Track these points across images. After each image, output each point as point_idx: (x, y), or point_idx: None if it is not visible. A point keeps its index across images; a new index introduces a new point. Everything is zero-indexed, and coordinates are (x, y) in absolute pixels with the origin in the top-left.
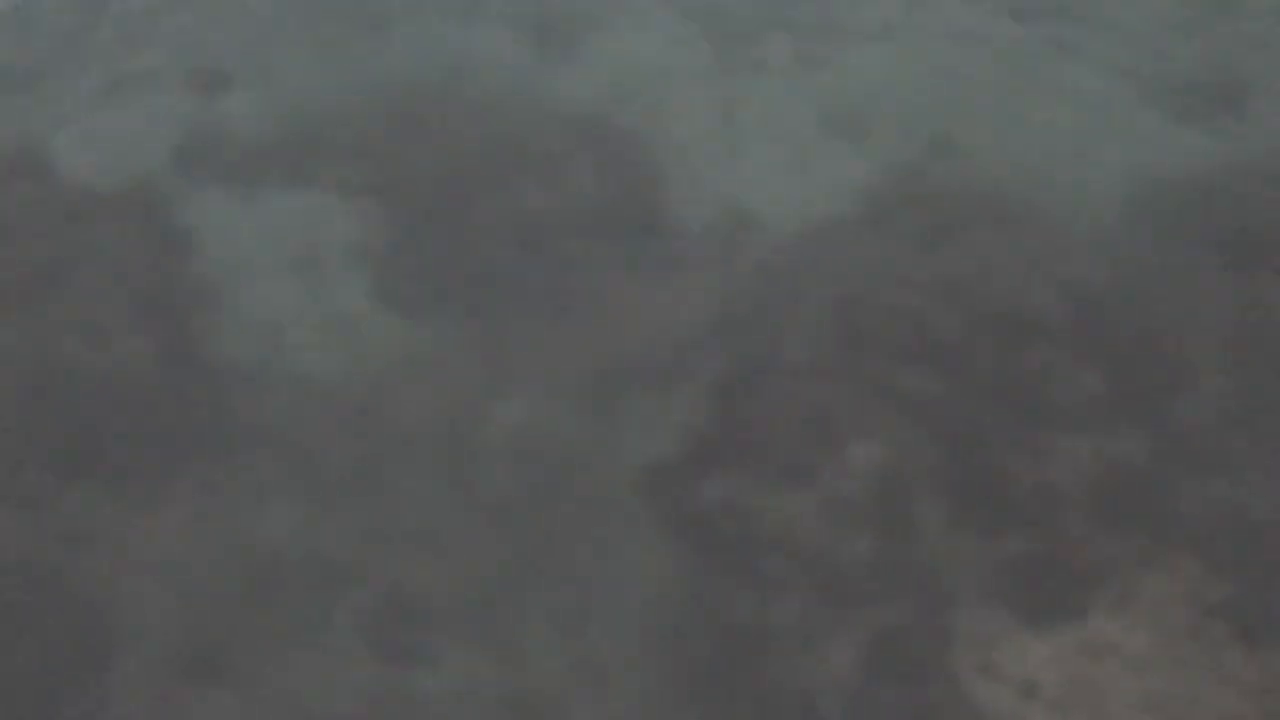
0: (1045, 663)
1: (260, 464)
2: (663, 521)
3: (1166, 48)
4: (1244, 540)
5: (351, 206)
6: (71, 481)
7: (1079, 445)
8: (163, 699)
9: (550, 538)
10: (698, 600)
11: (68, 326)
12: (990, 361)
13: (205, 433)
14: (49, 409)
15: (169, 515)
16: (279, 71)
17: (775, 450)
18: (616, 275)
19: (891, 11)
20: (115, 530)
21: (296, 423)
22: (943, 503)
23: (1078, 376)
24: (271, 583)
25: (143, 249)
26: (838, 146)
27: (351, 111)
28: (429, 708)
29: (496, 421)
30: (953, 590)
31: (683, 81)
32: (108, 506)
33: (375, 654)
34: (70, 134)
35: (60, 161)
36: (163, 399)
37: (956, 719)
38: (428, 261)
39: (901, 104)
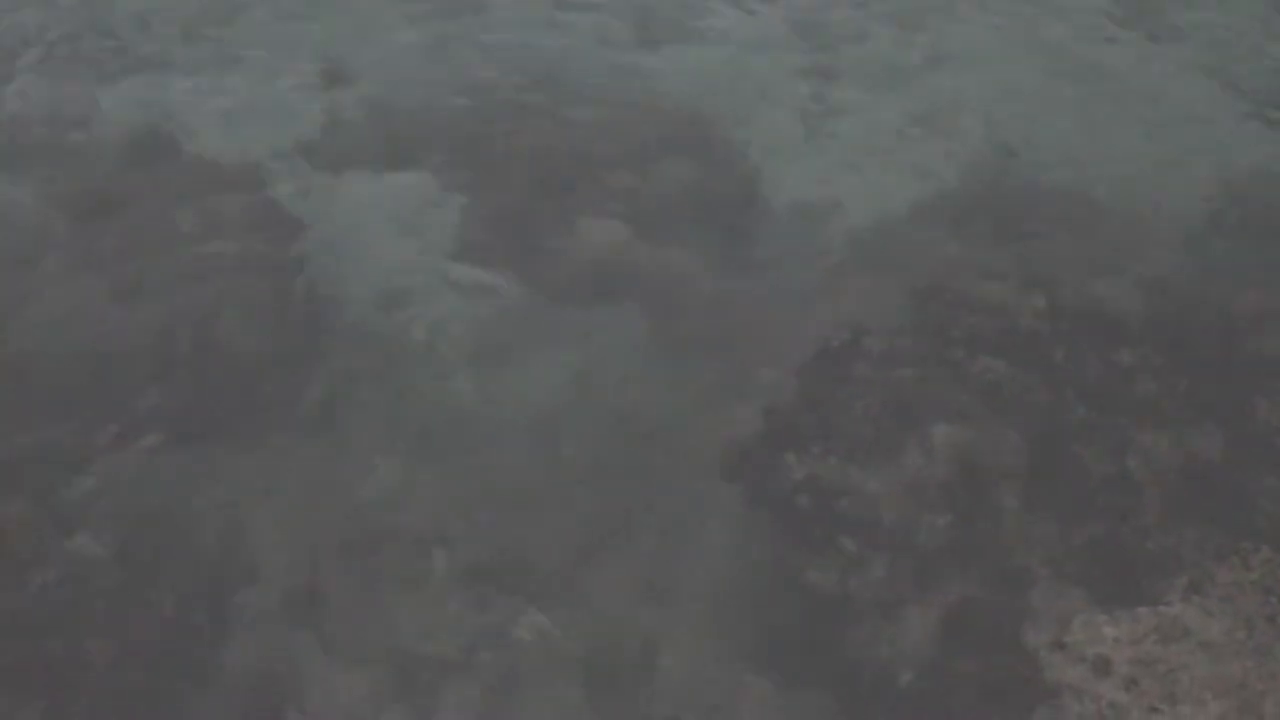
0: (1118, 643)
1: (366, 424)
2: (748, 496)
3: (1253, 50)
4: None
5: (451, 188)
6: (193, 439)
7: (1157, 438)
8: (273, 636)
9: (642, 506)
10: (781, 570)
11: (191, 294)
12: (1069, 353)
13: (316, 394)
14: (173, 371)
15: (283, 472)
16: (386, 63)
17: (858, 431)
18: (705, 258)
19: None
20: (233, 486)
21: (401, 386)
22: (1020, 486)
23: (1157, 371)
24: (375, 535)
25: (261, 223)
26: (922, 144)
27: (453, 106)
28: (519, 655)
29: (590, 395)
30: (1029, 570)
31: (775, 78)
32: (226, 463)
33: (470, 604)
34: (196, 117)
35: (187, 141)
36: (276, 362)
37: (1030, 692)
38: (525, 239)
39: (985, 102)
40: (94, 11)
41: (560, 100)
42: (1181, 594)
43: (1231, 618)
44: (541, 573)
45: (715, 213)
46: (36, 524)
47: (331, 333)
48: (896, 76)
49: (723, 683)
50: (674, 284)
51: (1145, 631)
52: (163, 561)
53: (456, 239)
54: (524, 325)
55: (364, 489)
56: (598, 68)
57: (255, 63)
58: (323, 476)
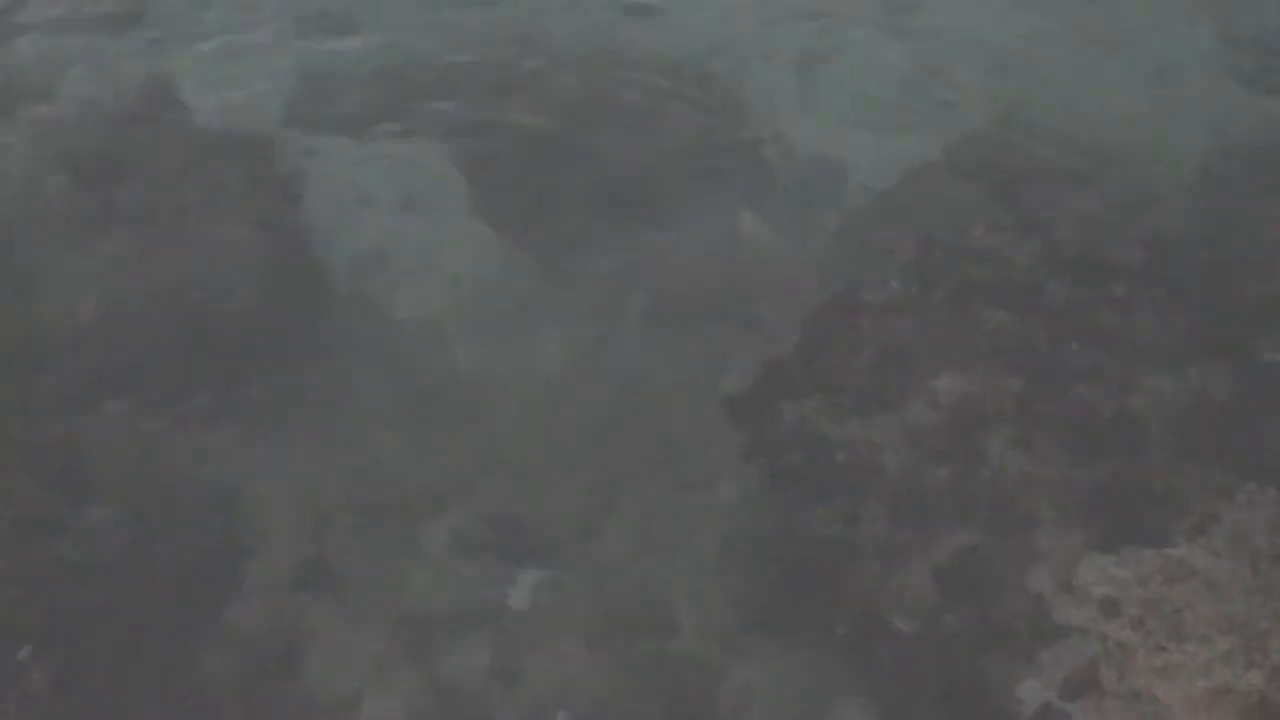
0: (1126, 583)
1: (370, 391)
2: (750, 445)
3: (1241, 12)
4: None
5: (450, 149)
6: (198, 411)
7: (1160, 380)
8: (276, 600)
9: (647, 462)
10: (785, 521)
11: (196, 261)
12: (1070, 300)
13: (322, 362)
14: (180, 341)
15: (289, 440)
16: (386, 23)
17: (860, 381)
18: (708, 215)
19: None
20: (240, 456)
21: (403, 352)
22: (1023, 432)
23: (1158, 315)
24: (381, 500)
25: (260, 184)
26: (920, 102)
27: (452, 62)
28: (528, 613)
29: (595, 356)
30: (1034, 514)
31: (772, 38)
32: (232, 434)
33: (473, 571)
34: (195, 76)
35: (185, 100)
36: (281, 330)
37: (1037, 633)
38: (526, 201)
39: (983, 63)
40: None
41: (554, 63)
42: (1187, 535)
43: (1236, 558)
44: (544, 531)
45: (716, 169)
46: (50, 494)
47: (333, 300)
48: (894, 30)
49: (727, 632)
50: (675, 245)
51: (1152, 572)
52: (173, 528)
53: (458, 205)
54: (527, 290)
55: (366, 456)
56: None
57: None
58: (325, 445)
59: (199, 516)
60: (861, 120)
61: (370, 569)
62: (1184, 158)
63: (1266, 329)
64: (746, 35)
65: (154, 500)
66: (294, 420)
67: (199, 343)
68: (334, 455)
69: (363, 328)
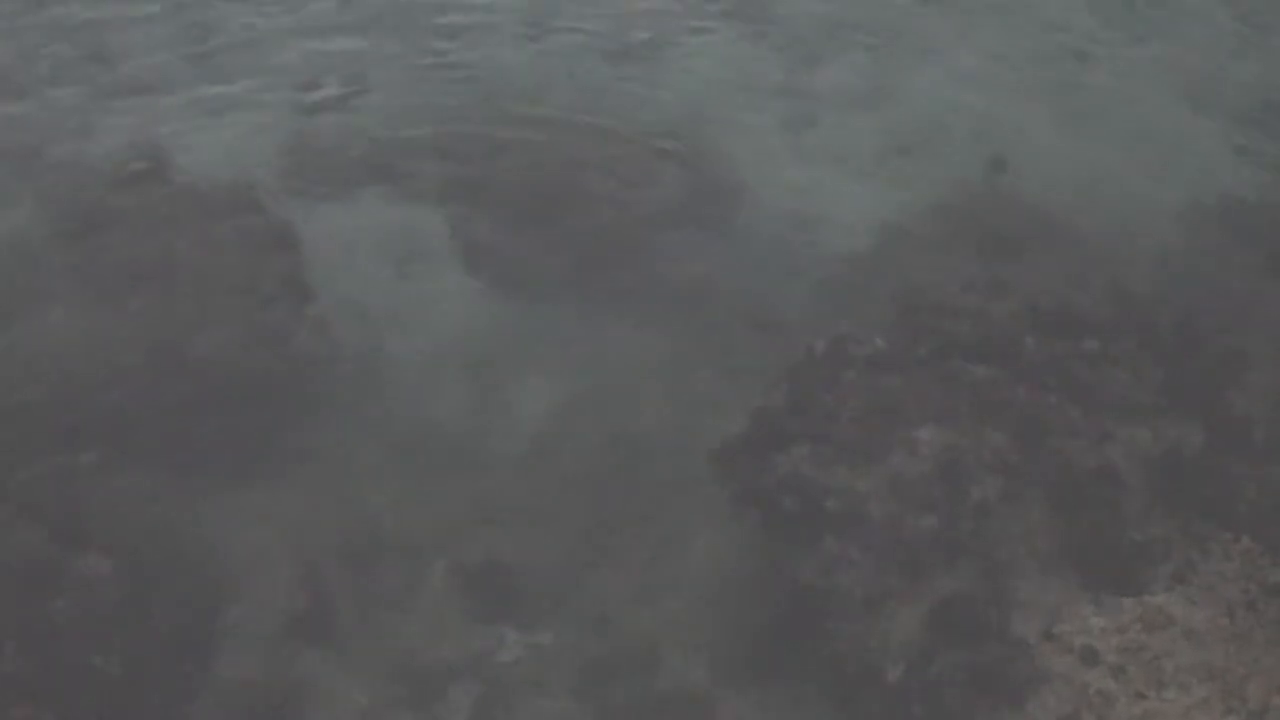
0: (1106, 632)
1: (360, 444)
2: (737, 495)
3: (1224, 70)
4: None
5: (441, 209)
6: (191, 464)
7: (1135, 432)
8: (267, 651)
9: (636, 511)
10: (771, 568)
11: (188, 316)
12: (1047, 356)
13: (312, 414)
14: (173, 395)
15: (281, 491)
16: (373, 90)
17: (845, 433)
18: (693, 268)
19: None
20: (232, 508)
21: (392, 405)
22: (1004, 482)
23: (1131, 369)
24: (372, 551)
25: (248, 245)
26: (900, 162)
27: (440, 128)
28: (519, 661)
29: (583, 409)
30: (1015, 563)
31: (754, 99)
32: (225, 486)
33: (463, 620)
34: (184, 140)
35: (174, 163)
36: (272, 382)
37: (1019, 682)
38: (518, 259)
39: (963, 128)
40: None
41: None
42: (1165, 583)
43: (1214, 605)
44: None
45: (705, 226)
46: (46, 545)
47: (325, 355)
48: (873, 94)
49: (716, 681)
50: (663, 298)
51: (1131, 620)
52: (165, 580)
53: (447, 262)
54: (514, 343)
55: (359, 508)
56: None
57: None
58: (317, 497)
59: (192, 567)
60: (843, 182)
61: (361, 619)
62: (1160, 218)
63: (1235, 381)
64: (731, 100)
65: (148, 551)
66: (285, 471)
67: (192, 396)
68: (325, 506)
69: (352, 381)
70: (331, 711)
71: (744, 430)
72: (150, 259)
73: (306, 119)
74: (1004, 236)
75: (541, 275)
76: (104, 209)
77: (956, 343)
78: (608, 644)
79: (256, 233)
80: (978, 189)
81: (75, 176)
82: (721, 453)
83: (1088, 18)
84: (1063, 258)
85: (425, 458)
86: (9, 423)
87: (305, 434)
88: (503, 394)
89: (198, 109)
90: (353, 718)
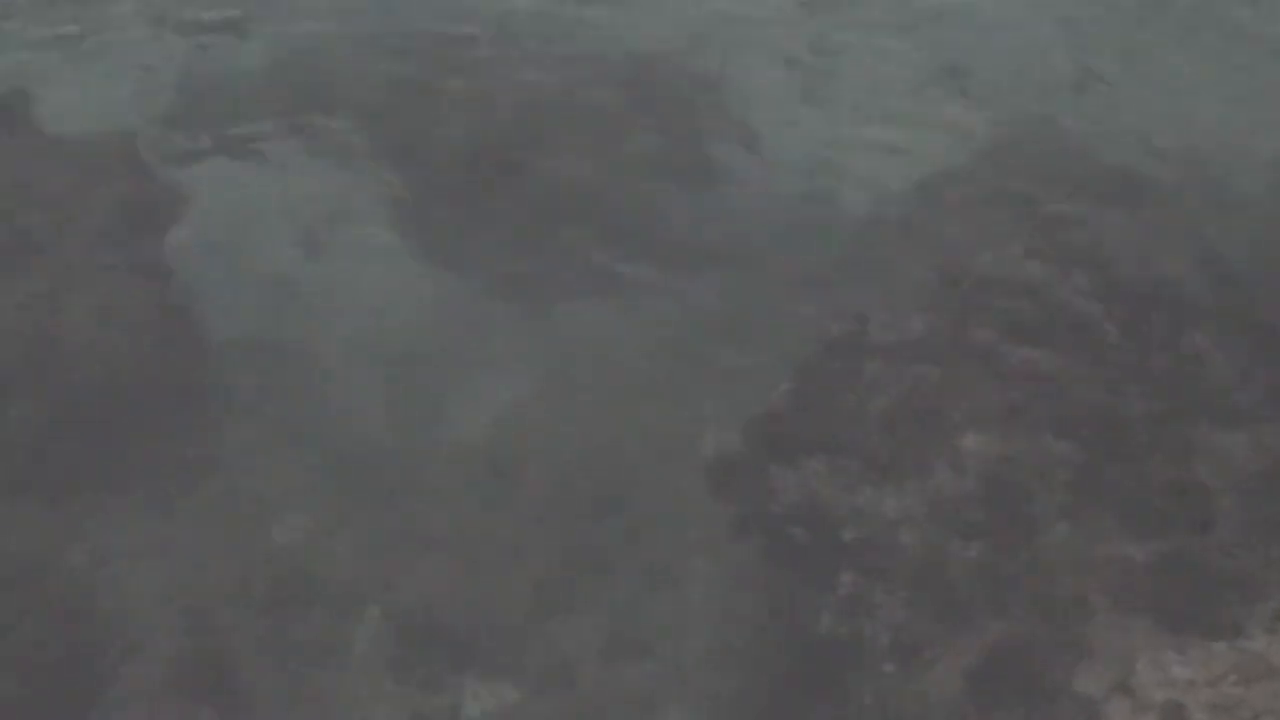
0: (1193, 685)
1: (267, 460)
2: (737, 522)
3: None
4: None
5: (367, 170)
6: (60, 486)
7: (1232, 438)
8: (159, 711)
9: (613, 542)
10: (783, 616)
11: (53, 307)
12: (1124, 341)
13: (211, 426)
14: (40, 407)
15: (171, 520)
16: (281, 16)
17: (869, 442)
18: (683, 236)
19: None
20: (110, 539)
21: (310, 413)
22: (1070, 501)
23: (1229, 360)
24: (284, 592)
25: (125, 212)
26: (942, 100)
27: (363, 63)
28: None
29: (547, 412)
30: (1082, 601)
31: (765, 20)
32: (101, 513)
33: (400, 679)
34: (44, 81)
35: (32, 111)
36: (161, 388)
37: None
38: (459, 225)
39: (1016, 53)
40: None
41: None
42: (1266, 624)
43: None
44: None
45: (698, 182)
46: None
47: (222, 350)
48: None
49: None
50: (646, 275)
51: (1224, 670)
52: (27, 630)
53: (376, 231)
54: (461, 334)
55: (268, 539)
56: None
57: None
58: (216, 526)
59: (60, 614)
60: (875, 126)
61: (269, 677)
62: (1260, 165)
63: None
64: (733, 21)
65: (12, 591)
66: (177, 496)
67: (56, 403)
68: (224, 537)
69: (260, 384)
70: None
71: (745, 440)
72: (3, 236)
73: (198, 54)
74: (1072, 192)
75: (493, 246)
76: None
77: (1011, 325)
78: (579, 707)
79: (135, 196)
80: (1039, 133)
81: None
82: (717, 468)
83: None
84: (1146, 220)
85: (350, 476)
86: None
87: (199, 448)
88: (446, 396)
89: (62, 43)
90: None
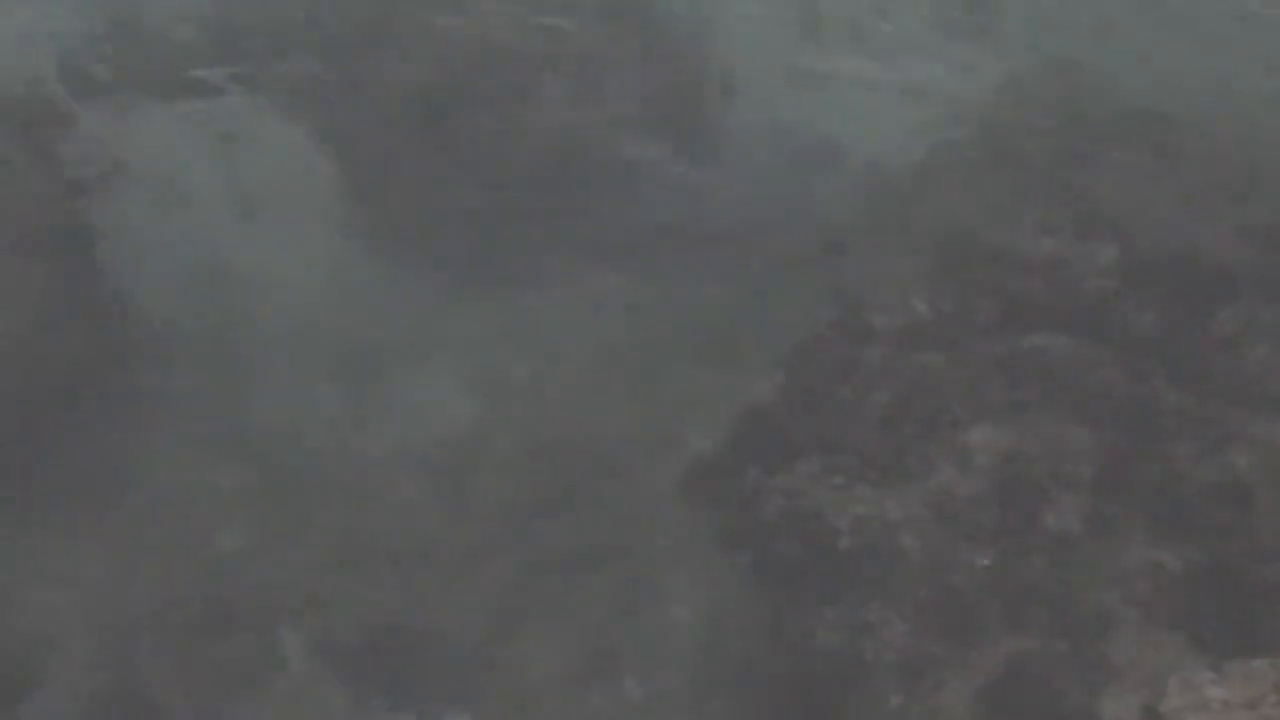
0: (1230, 707)
1: (194, 466)
2: (724, 530)
3: None
4: None
5: (301, 121)
6: None
7: (1273, 428)
8: None
9: (584, 555)
10: (771, 633)
11: None
12: (1154, 326)
13: (128, 429)
14: None
15: (83, 536)
16: None
17: (869, 439)
18: (663, 207)
19: None
20: (17, 555)
21: (239, 409)
22: (1091, 503)
23: (1269, 342)
24: (213, 614)
25: (36, 180)
26: (949, 48)
27: (303, 6)
28: None
29: (509, 410)
30: (1106, 614)
31: None
32: (7, 526)
33: (343, 706)
34: None
35: None
36: (71, 385)
37: None
38: (416, 196)
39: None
40: None
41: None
42: None
43: None
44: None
45: (680, 144)
46: None
47: (149, 345)
48: None
49: None
50: (621, 251)
51: (1264, 691)
52: None
53: (312, 198)
54: (410, 315)
55: (194, 556)
56: None
57: None
58: (138, 542)
59: None
60: (872, 85)
61: (195, 707)
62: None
63: None
64: None
65: None
66: (96, 511)
67: None
68: (148, 556)
69: (183, 378)
70: None
71: (730, 439)
72: None
73: None
74: (1094, 157)
75: (449, 218)
76: None
77: (1026, 307)
78: None
79: (46, 161)
80: (1057, 89)
81: None
82: (699, 471)
83: None
84: (1175, 185)
85: (286, 483)
86: None
87: (120, 453)
88: (395, 393)
89: None
90: None
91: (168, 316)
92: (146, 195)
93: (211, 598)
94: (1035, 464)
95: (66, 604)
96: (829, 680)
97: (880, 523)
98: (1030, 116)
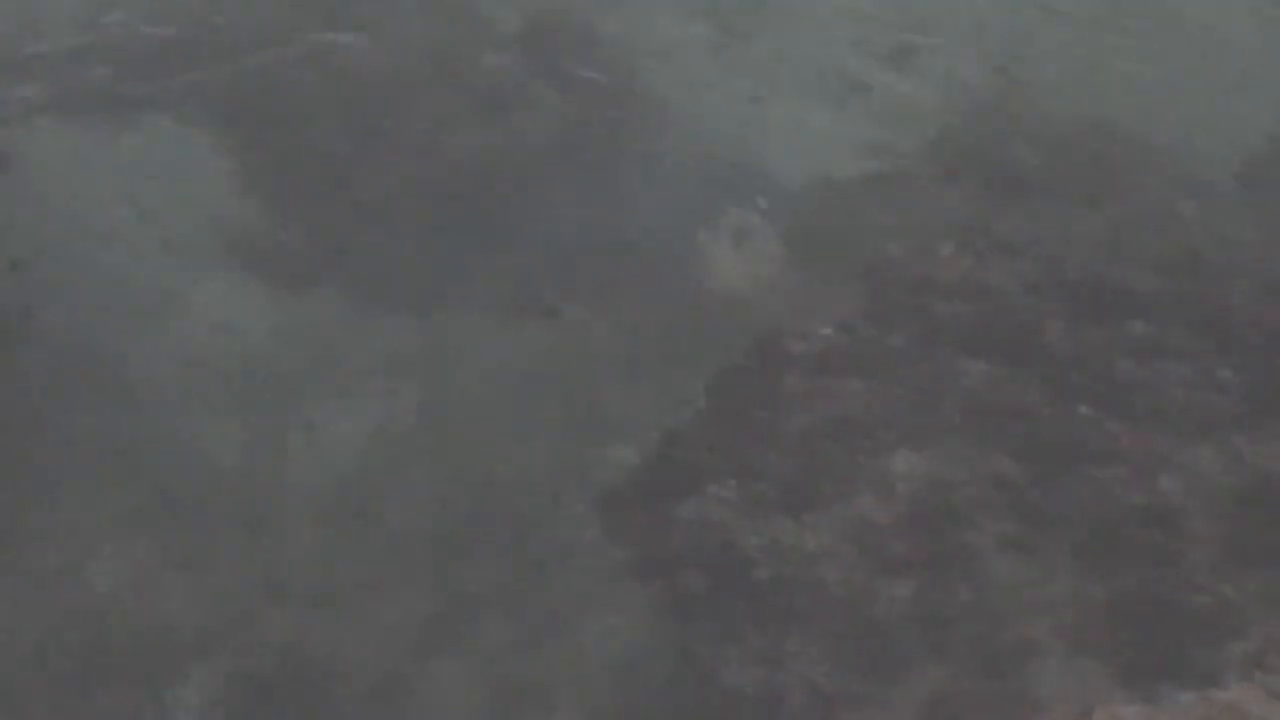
0: None
1: (87, 498)
2: (635, 561)
3: None
4: None
5: (208, 139)
6: None
7: (1201, 453)
8: None
9: (490, 587)
10: (687, 667)
11: None
12: (1079, 348)
13: (19, 457)
14: None
15: None
16: None
17: (786, 466)
18: (577, 231)
19: None
20: None
21: (133, 437)
22: (1016, 531)
23: (1195, 365)
24: (97, 655)
25: None
26: (874, 74)
27: (202, 27)
28: None
29: (414, 438)
30: (1031, 645)
31: None
32: None
33: None
34: None
35: None
36: None
37: None
38: (323, 221)
39: (959, 23)
40: None
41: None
42: (1240, 668)
43: None
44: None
45: (597, 169)
46: None
47: (35, 365)
48: None
49: None
50: (532, 276)
51: None
52: None
53: (218, 223)
54: (323, 349)
55: (79, 590)
56: None
57: None
58: (16, 576)
59: None
60: (802, 108)
61: None
62: (1222, 152)
63: None
64: None
65: None
66: None
67: None
68: (26, 591)
69: (79, 405)
70: None
71: (644, 466)
72: None
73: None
74: (1015, 178)
75: (359, 242)
76: None
77: (947, 329)
78: None
79: None
80: (980, 111)
81: None
82: (613, 501)
83: None
84: (1101, 208)
85: (184, 512)
86: None
87: (3, 486)
88: (298, 420)
89: None
90: None
91: (58, 343)
92: (34, 213)
93: (96, 633)
94: (957, 490)
95: None
96: (743, 715)
97: (797, 552)
98: (956, 142)
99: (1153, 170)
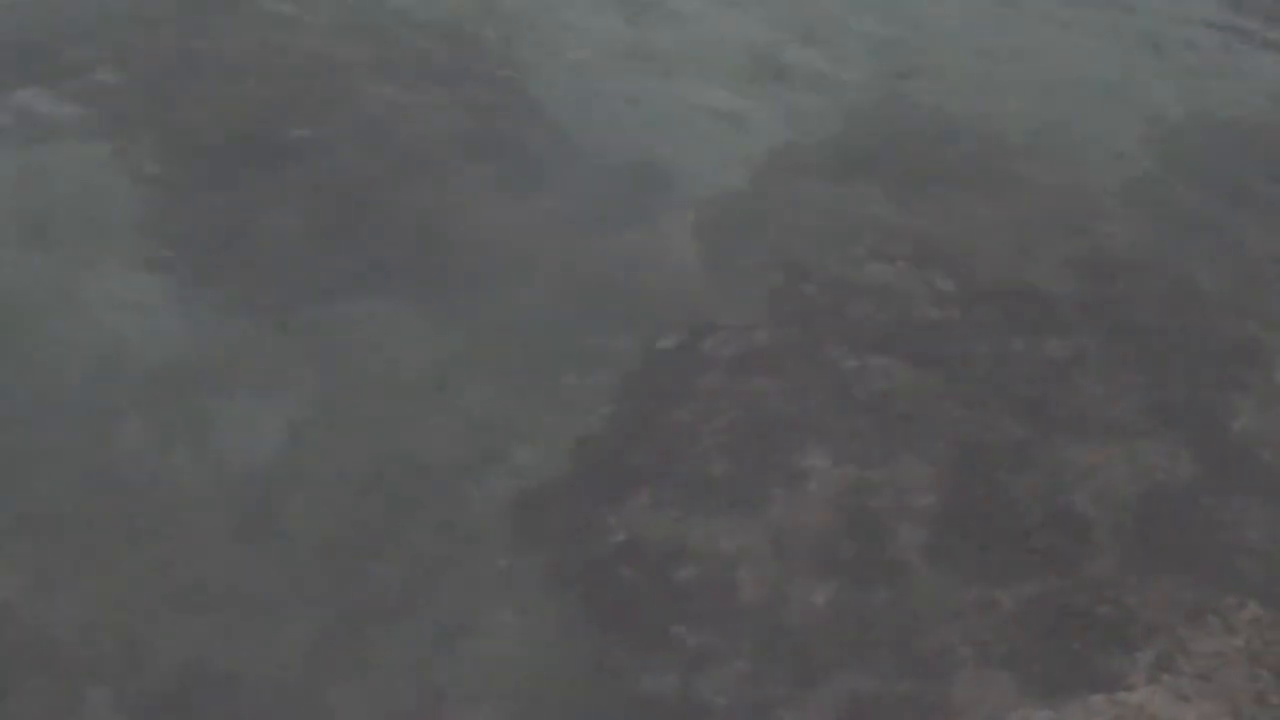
0: None
1: None
2: (549, 567)
3: None
4: None
5: (99, 148)
6: None
7: (1108, 459)
8: None
9: (397, 594)
10: (602, 674)
11: None
12: (987, 353)
13: None
14: None
15: None
16: None
17: (703, 468)
18: (486, 229)
19: None
20: None
21: (32, 449)
22: (929, 536)
23: (1102, 368)
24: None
25: None
26: (784, 75)
27: (110, 23)
28: None
29: (322, 439)
30: (945, 651)
31: None
32: None
33: None
34: None
35: None
36: None
37: None
38: (224, 219)
39: (869, 24)
40: None
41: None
42: (1146, 672)
43: (1212, 700)
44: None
45: (505, 165)
46: None
47: None
48: None
49: None
50: (441, 274)
51: None
52: None
53: (113, 230)
54: (223, 353)
55: None
56: None
57: None
58: None
59: None
60: (704, 106)
61: None
62: (1129, 153)
63: (1239, 385)
64: None
65: None
66: None
67: None
68: None
69: None
70: None
71: (559, 469)
72: None
73: None
74: (924, 182)
75: (259, 241)
76: None
77: (860, 333)
78: None
79: None
80: (887, 114)
81: None
82: (524, 503)
83: None
84: (1005, 211)
85: (77, 520)
86: None
87: None
88: (200, 425)
89: None
90: None
91: None
92: None
93: None
94: (875, 495)
95: None
96: (660, 718)
97: (715, 555)
98: (869, 143)
99: (1057, 172)
